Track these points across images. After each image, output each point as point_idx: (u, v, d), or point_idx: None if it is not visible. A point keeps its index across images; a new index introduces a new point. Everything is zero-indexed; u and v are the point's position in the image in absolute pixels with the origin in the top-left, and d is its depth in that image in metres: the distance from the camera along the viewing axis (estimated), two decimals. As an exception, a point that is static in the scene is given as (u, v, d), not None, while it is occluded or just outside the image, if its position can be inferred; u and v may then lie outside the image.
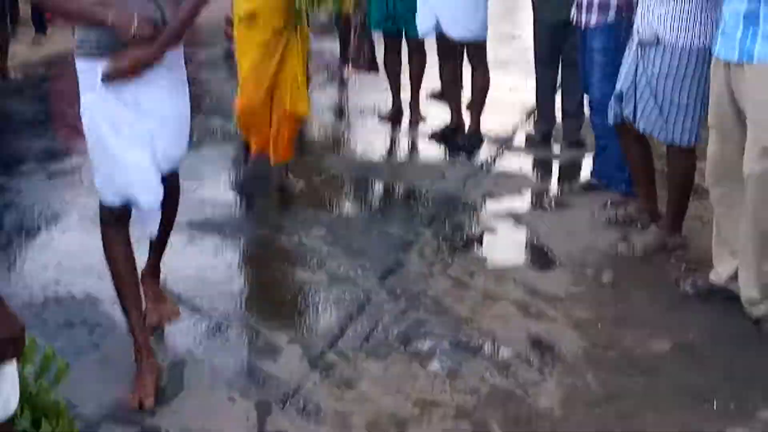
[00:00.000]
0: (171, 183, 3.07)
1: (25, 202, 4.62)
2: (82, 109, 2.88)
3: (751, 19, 3.25)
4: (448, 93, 5.87)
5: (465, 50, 5.69)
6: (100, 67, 2.76)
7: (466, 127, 5.71)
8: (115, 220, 2.90)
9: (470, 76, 5.69)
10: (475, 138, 5.61)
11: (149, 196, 2.84)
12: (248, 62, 4.46)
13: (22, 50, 7.93)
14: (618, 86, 3.97)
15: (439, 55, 5.74)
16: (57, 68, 7.56)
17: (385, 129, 6.01)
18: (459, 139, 5.62)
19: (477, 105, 5.67)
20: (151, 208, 2.87)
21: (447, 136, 5.70)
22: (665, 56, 3.75)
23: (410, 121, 6.06)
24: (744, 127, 3.38)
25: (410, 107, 6.08)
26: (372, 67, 5.79)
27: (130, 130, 2.81)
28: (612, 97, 4.04)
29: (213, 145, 5.57)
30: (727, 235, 3.54)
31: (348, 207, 4.81)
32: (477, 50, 5.55)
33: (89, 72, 2.81)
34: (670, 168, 4.07)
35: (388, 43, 5.90)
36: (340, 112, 6.55)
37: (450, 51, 5.65)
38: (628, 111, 3.93)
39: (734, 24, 3.30)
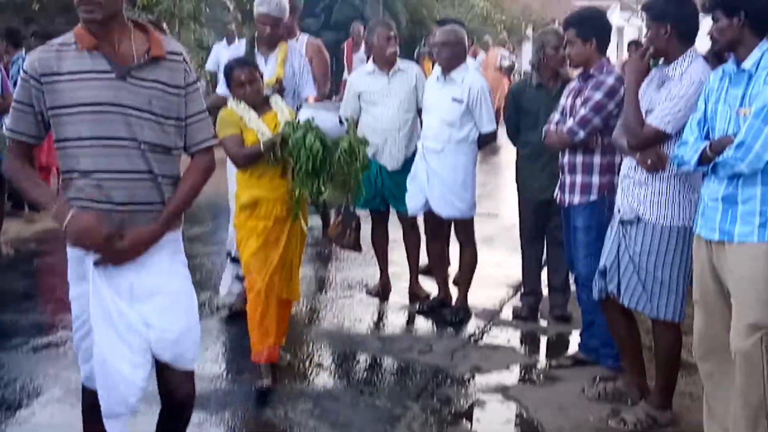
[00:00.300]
0: (178, 390, 2.91)
1: (8, 376, 4.56)
2: (71, 297, 2.82)
3: (729, 200, 3.38)
4: (436, 268, 5.96)
5: (453, 226, 5.82)
6: (90, 255, 2.70)
7: (453, 301, 5.75)
8: (92, 404, 2.82)
9: (458, 252, 5.79)
10: (463, 312, 5.64)
11: (130, 399, 2.76)
12: (249, 251, 4.41)
13: (15, 226, 8.03)
14: (602, 262, 4.05)
15: (426, 231, 5.86)
16: (48, 244, 7.66)
17: (373, 302, 6.03)
18: (446, 313, 5.65)
19: (465, 280, 5.75)
20: (131, 410, 2.78)
21: (433, 310, 5.74)
22: (646, 234, 3.86)
23: (411, 297, 6.05)
24: (728, 303, 3.44)
25: (411, 287, 6.08)
26: (357, 247, 5.85)
27: (121, 319, 2.72)
28: (596, 273, 4.11)
29: (200, 319, 5.55)
30: (717, 412, 3.51)
31: (335, 380, 4.76)
32: (465, 227, 5.68)
33: (78, 261, 2.75)
34: (656, 343, 4.09)
35: (375, 218, 6.02)
36: (326, 286, 6.58)
37: (438, 228, 5.79)
38: (612, 286, 3.99)
39: (713, 206, 3.43)
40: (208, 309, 5.72)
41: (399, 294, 6.11)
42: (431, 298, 5.89)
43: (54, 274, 6.94)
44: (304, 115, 4.36)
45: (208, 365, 4.75)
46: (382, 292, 6.13)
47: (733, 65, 3.48)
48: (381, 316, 5.80)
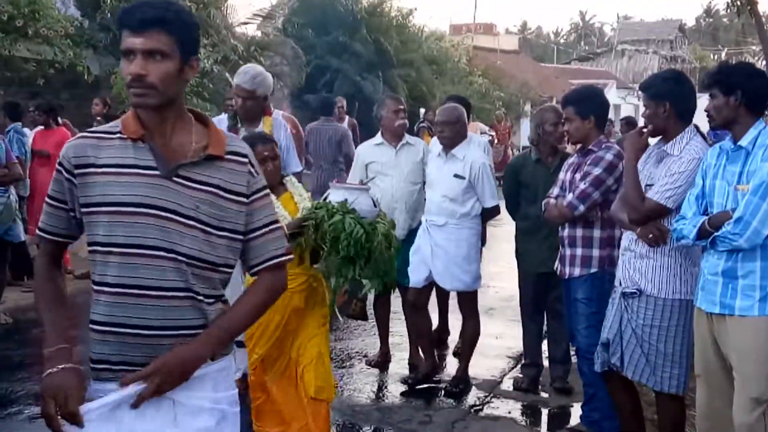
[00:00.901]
0: None
1: (3, 445, 4.52)
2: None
3: (729, 275, 3.42)
4: (420, 338, 5.94)
5: (457, 298, 5.81)
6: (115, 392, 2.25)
7: (441, 371, 5.71)
8: None
9: (462, 325, 5.79)
10: (464, 383, 5.61)
11: None
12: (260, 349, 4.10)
13: (14, 295, 8.03)
14: (604, 335, 4.04)
15: (416, 303, 5.75)
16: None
17: (373, 373, 5.99)
18: (446, 384, 5.61)
19: (467, 352, 5.73)
20: None
21: (425, 380, 5.70)
22: (648, 307, 3.87)
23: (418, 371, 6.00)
24: (730, 377, 3.44)
25: (410, 357, 6.08)
26: (363, 316, 5.86)
27: None
28: (598, 346, 4.10)
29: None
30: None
31: (335, 452, 4.70)
32: (469, 299, 5.69)
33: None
34: (660, 416, 4.07)
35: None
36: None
37: (426, 301, 5.80)
38: (615, 359, 3.98)
39: (713, 279, 3.47)
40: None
41: (399, 365, 6.08)
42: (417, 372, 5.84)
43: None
44: (336, 197, 4.05)
45: None
46: (382, 362, 6.10)
47: (730, 143, 3.55)
48: (381, 387, 5.76)
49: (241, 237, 2.34)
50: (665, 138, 3.94)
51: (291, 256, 2.50)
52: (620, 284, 4.00)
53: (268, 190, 2.42)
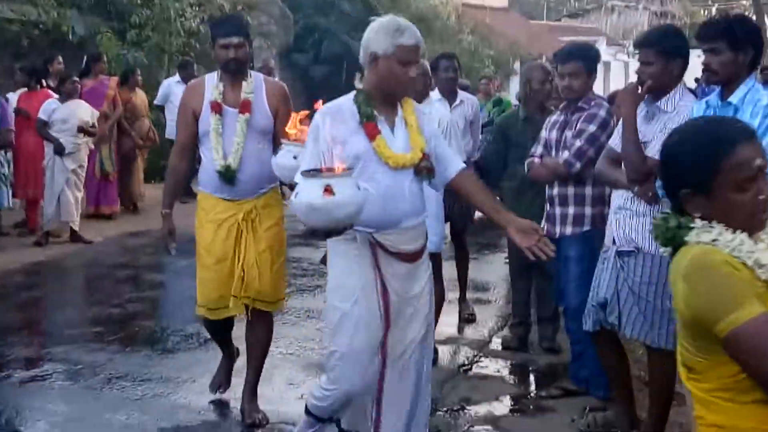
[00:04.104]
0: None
1: (-7, 409, 4.52)
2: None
3: None
4: None
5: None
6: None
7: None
8: None
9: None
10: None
11: None
12: None
13: (1, 259, 8.00)
14: (600, 294, 4.00)
15: None
16: (35, 277, 7.64)
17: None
18: None
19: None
20: None
21: None
22: (646, 265, 3.86)
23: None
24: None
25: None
26: None
27: None
28: (590, 305, 4.09)
29: (189, 351, 5.54)
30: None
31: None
32: (435, 262, 5.48)
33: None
34: (651, 374, 4.08)
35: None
36: (315, 315, 6.55)
37: None
38: (613, 318, 3.97)
39: None
40: (196, 341, 5.69)
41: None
42: None
43: (40, 308, 6.92)
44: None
45: (196, 397, 4.71)
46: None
47: (717, 98, 3.52)
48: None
49: None
50: (657, 94, 3.89)
51: None
52: (613, 243, 3.98)
53: None
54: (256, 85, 4.33)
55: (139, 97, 11.00)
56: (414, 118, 3.53)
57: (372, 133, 3.40)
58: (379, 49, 3.38)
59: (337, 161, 3.09)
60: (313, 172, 3.10)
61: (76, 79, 9.03)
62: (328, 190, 2.96)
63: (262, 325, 4.38)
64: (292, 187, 3.63)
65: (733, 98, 3.46)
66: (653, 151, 3.80)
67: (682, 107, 3.82)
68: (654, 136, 3.84)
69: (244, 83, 4.29)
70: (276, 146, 4.11)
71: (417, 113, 3.58)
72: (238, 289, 4.22)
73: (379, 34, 3.40)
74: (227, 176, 4.19)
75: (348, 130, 3.40)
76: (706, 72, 3.61)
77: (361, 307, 3.39)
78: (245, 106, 4.26)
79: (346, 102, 3.51)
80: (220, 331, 4.58)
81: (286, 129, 3.84)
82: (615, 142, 4.08)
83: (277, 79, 6.22)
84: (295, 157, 3.69)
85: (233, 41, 4.21)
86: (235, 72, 4.25)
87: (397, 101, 3.53)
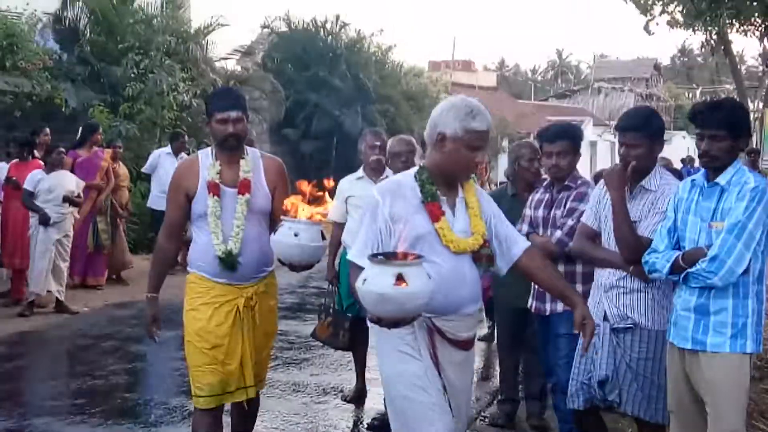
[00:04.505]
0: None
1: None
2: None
3: (701, 311, 3.45)
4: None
5: None
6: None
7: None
8: None
9: None
10: None
11: None
12: None
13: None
14: (601, 372, 3.97)
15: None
16: (20, 347, 7.55)
17: (349, 408, 5.94)
18: None
19: None
20: None
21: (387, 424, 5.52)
22: (643, 340, 3.88)
23: None
24: (702, 412, 3.46)
25: None
26: (350, 347, 5.83)
27: None
28: (578, 383, 4.05)
29: (172, 424, 5.46)
30: None
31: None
32: None
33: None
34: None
35: (355, 324, 5.96)
36: (300, 390, 6.49)
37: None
38: (614, 396, 3.94)
39: (685, 315, 3.50)
40: (180, 414, 5.61)
41: (375, 400, 6.02)
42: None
43: (22, 379, 6.82)
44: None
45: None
46: (358, 398, 6.04)
47: (703, 178, 3.58)
48: (356, 423, 5.70)
49: None
50: (640, 175, 3.95)
51: None
52: (605, 320, 3.96)
53: None
54: (254, 163, 4.11)
55: (121, 168, 11.08)
56: (475, 200, 3.43)
57: (436, 214, 3.27)
58: (448, 130, 3.26)
59: (402, 245, 2.99)
60: (381, 258, 2.91)
61: (62, 149, 9.04)
62: (400, 279, 2.77)
63: (252, 404, 4.18)
64: (295, 265, 3.65)
65: (721, 179, 3.51)
66: (644, 231, 3.84)
67: (665, 186, 3.90)
68: (642, 215, 3.89)
69: (242, 161, 4.06)
70: (273, 223, 3.96)
71: (478, 195, 3.49)
72: (241, 379, 4.01)
73: (449, 115, 3.28)
74: (228, 262, 3.95)
75: (410, 209, 3.26)
76: (704, 157, 3.58)
77: (432, 394, 3.19)
78: (245, 186, 4.02)
79: (406, 179, 3.38)
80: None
81: (285, 204, 3.70)
82: (590, 219, 4.14)
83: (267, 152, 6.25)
84: (296, 235, 3.56)
85: (231, 115, 3.98)
86: (233, 148, 4.03)
87: (458, 182, 3.42)
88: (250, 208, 4.01)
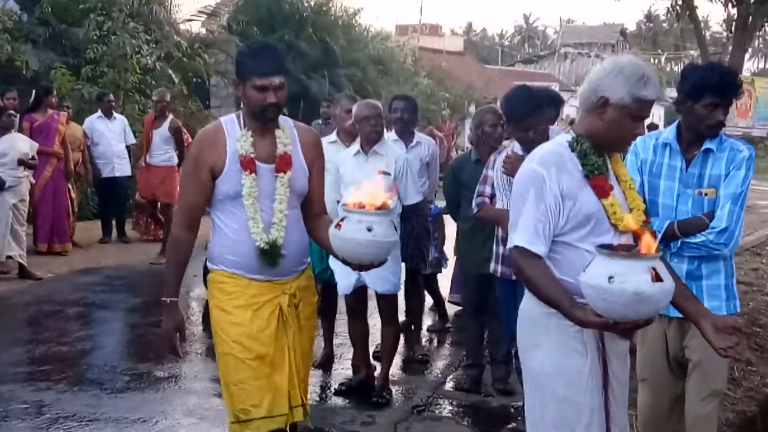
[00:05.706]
0: None
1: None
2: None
3: (693, 276, 3.49)
4: (359, 347, 5.65)
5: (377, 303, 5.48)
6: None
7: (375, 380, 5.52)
8: None
9: (382, 331, 5.52)
10: (388, 392, 5.41)
11: None
12: None
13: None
14: None
15: (349, 310, 5.53)
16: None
17: (316, 373, 5.96)
18: (372, 395, 5.36)
19: (388, 359, 5.52)
20: None
21: (354, 389, 5.53)
22: None
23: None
24: (676, 377, 3.53)
25: (354, 359, 5.83)
26: (320, 312, 5.78)
27: None
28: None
29: (139, 390, 5.45)
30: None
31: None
32: (392, 303, 5.43)
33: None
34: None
35: (325, 290, 5.91)
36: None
37: (362, 305, 5.51)
38: None
39: None
40: (147, 380, 5.60)
41: (343, 365, 6.07)
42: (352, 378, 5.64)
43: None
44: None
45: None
46: (326, 363, 6.07)
47: (675, 142, 3.55)
48: (324, 388, 5.73)
49: None
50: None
51: None
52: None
53: None
54: (291, 134, 3.47)
55: (72, 129, 10.45)
56: (626, 173, 3.07)
57: (605, 189, 2.89)
58: (614, 95, 2.84)
59: (622, 238, 2.77)
60: (628, 252, 2.58)
61: (11, 112, 8.83)
62: (654, 273, 2.46)
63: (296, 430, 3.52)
64: (366, 266, 3.19)
65: (711, 144, 3.48)
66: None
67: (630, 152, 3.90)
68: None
69: (277, 131, 3.40)
70: (308, 208, 3.49)
71: (626, 168, 3.13)
72: (296, 395, 3.41)
73: (618, 80, 2.85)
74: (272, 255, 3.32)
75: (575, 183, 2.88)
76: (718, 127, 3.49)
77: (594, 398, 2.89)
78: (285, 162, 3.38)
79: (560, 149, 2.96)
80: None
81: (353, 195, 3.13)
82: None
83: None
84: (369, 230, 3.01)
85: (275, 82, 3.29)
86: (271, 120, 3.37)
87: (607, 153, 3.00)
88: (291, 189, 3.40)
